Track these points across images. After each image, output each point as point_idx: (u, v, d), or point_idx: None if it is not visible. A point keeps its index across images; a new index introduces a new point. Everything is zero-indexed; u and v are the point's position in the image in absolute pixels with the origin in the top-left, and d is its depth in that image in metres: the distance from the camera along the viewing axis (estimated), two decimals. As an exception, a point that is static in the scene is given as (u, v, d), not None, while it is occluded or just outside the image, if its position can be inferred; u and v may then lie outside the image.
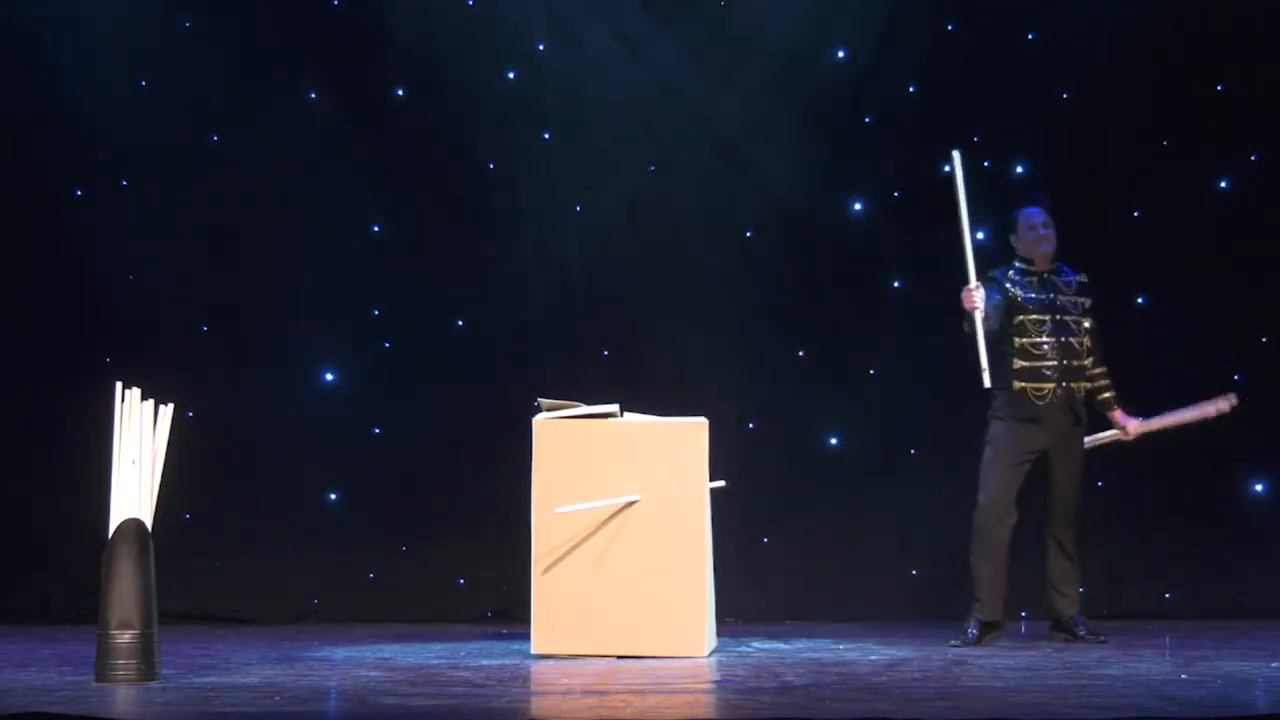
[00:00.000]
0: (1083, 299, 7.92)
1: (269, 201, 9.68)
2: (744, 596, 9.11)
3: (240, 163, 9.69)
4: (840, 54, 9.74)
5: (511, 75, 9.85)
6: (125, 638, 6.11)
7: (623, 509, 7.28)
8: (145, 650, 6.14)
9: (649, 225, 9.65)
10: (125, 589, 6.14)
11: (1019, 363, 7.80)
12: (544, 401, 7.54)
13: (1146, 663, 6.72)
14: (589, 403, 7.55)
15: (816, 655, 7.27)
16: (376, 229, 9.86)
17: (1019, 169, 9.71)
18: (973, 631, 7.69)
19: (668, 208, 9.69)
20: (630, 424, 7.45)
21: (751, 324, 9.61)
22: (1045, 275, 7.91)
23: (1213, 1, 9.51)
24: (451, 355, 9.71)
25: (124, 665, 6.11)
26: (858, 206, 9.81)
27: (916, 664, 6.77)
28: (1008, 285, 7.87)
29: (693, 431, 7.36)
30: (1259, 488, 9.57)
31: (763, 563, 9.46)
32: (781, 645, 7.83)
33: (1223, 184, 9.62)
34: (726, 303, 9.60)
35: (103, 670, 6.13)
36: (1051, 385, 7.78)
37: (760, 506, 9.17)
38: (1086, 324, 7.89)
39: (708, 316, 9.55)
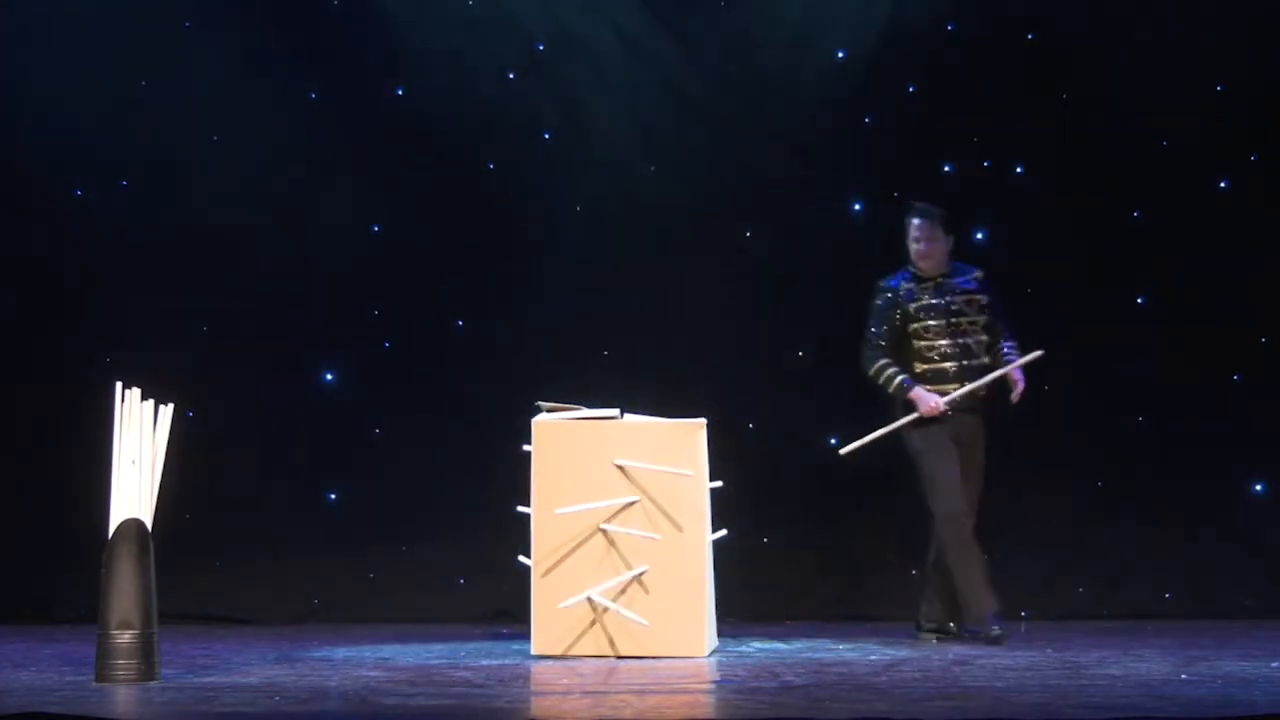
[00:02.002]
0: (979, 297, 8.09)
1: (269, 201, 9.67)
2: (744, 596, 9.11)
3: (240, 163, 9.68)
4: (840, 54, 9.73)
5: (511, 75, 9.84)
6: (125, 638, 6.12)
7: (623, 509, 7.28)
8: (145, 650, 6.15)
9: (649, 225, 9.64)
10: (125, 589, 6.15)
11: (920, 367, 8.03)
12: (544, 405, 7.55)
13: (1146, 663, 6.73)
14: (589, 404, 7.55)
15: (816, 655, 7.28)
16: (376, 229, 9.86)
17: (1019, 169, 9.71)
18: (996, 629, 7.75)
19: (667, 207, 9.68)
20: (630, 424, 7.46)
21: (751, 324, 9.61)
22: (938, 281, 8.06)
23: (1212, 1, 9.51)
24: (451, 355, 9.71)
25: (124, 665, 6.11)
26: (858, 206, 9.80)
27: (916, 664, 6.78)
28: (901, 296, 8.07)
29: (692, 431, 7.37)
30: (1259, 488, 9.56)
31: (763, 563, 9.46)
32: (781, 645, 7.83)
33: (1223, 184, 9.61)
34: (726, 302, 9.59)
35: (103, 670, 6.13)
36: (953, 386, 7.96)
37: (760, 506, 9.16)
38: (983, 321, 8.06)
39: (707, 316, 9.54)
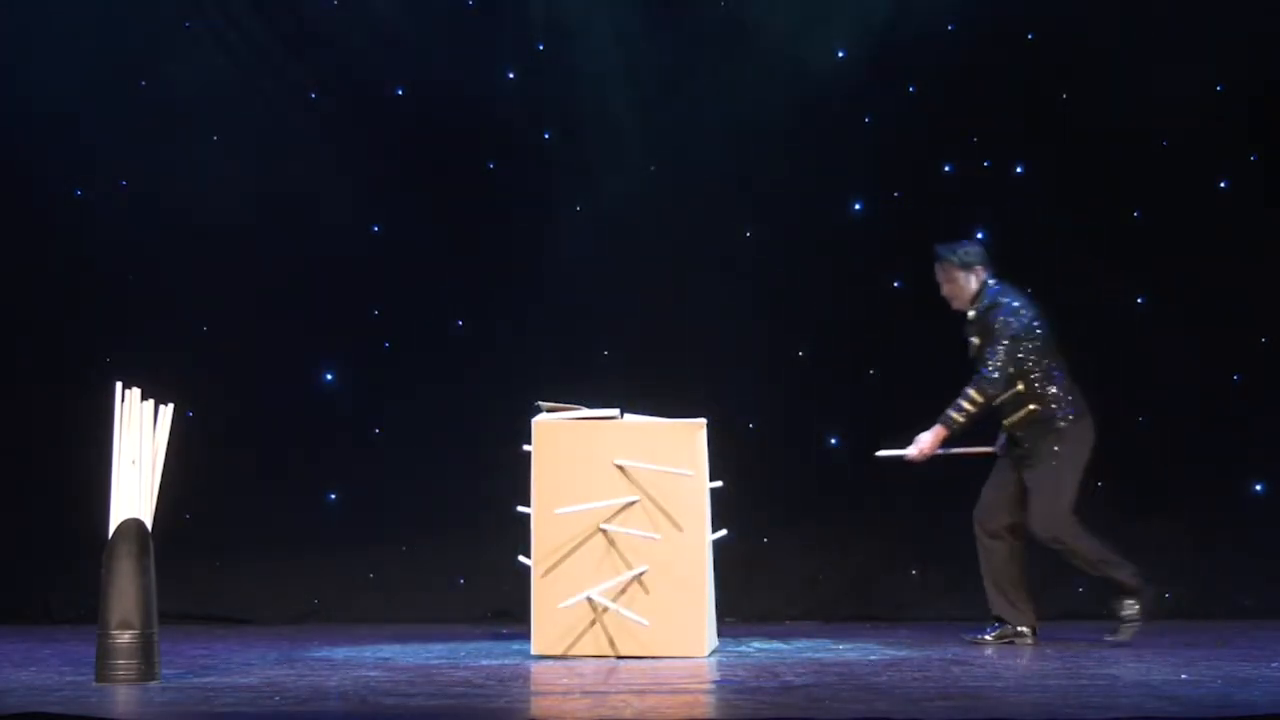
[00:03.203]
0: (973, 339, 7.89)
1: (268, 201, 9.68)
2: (744, 596, 9.11)
3: (240, 163, 9.68)
4: (840, 54, 9.73)
5: (511, 75, 9.85)
6: (125, 638, 6.12)
7: (623, 509, 7.28)
8: (145, 650, 6.14)
9: (648, 225, 9.65)
10: (125, 589, 6.14)
11: None
12: (544, 405, 7.54)
13: (1146, 663, 6.72)
14: (589, 404, 7.55)
15: (816, 655, 7.28)
16: (376, 229, 9.86)
17: (1019, 169, 9.71)
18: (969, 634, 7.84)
19: (667, 207, 9.69)
20: (630, 424, 7.46)
21: (751, 324, 9.61)
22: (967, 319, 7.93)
23: (1212, 1, 9.51)
24: (451, 355, 9.72)
25: (124, 665, 6.11)
26: (858, 206, 9.81)
27: (916, 664, 6.78)
28: None
29: (692, 431, 7.36)
30: (1259, 488, 9.56)
31: (763, 563, 9.46)
32: (781, 645, 7.83)
33: (1223, 184, 9.62)
34: (726, 302, 9.59)
35: (103, 670, 6.13)
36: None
37: (760, 506, 9.17)
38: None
39: (707, 316, 9.55)
